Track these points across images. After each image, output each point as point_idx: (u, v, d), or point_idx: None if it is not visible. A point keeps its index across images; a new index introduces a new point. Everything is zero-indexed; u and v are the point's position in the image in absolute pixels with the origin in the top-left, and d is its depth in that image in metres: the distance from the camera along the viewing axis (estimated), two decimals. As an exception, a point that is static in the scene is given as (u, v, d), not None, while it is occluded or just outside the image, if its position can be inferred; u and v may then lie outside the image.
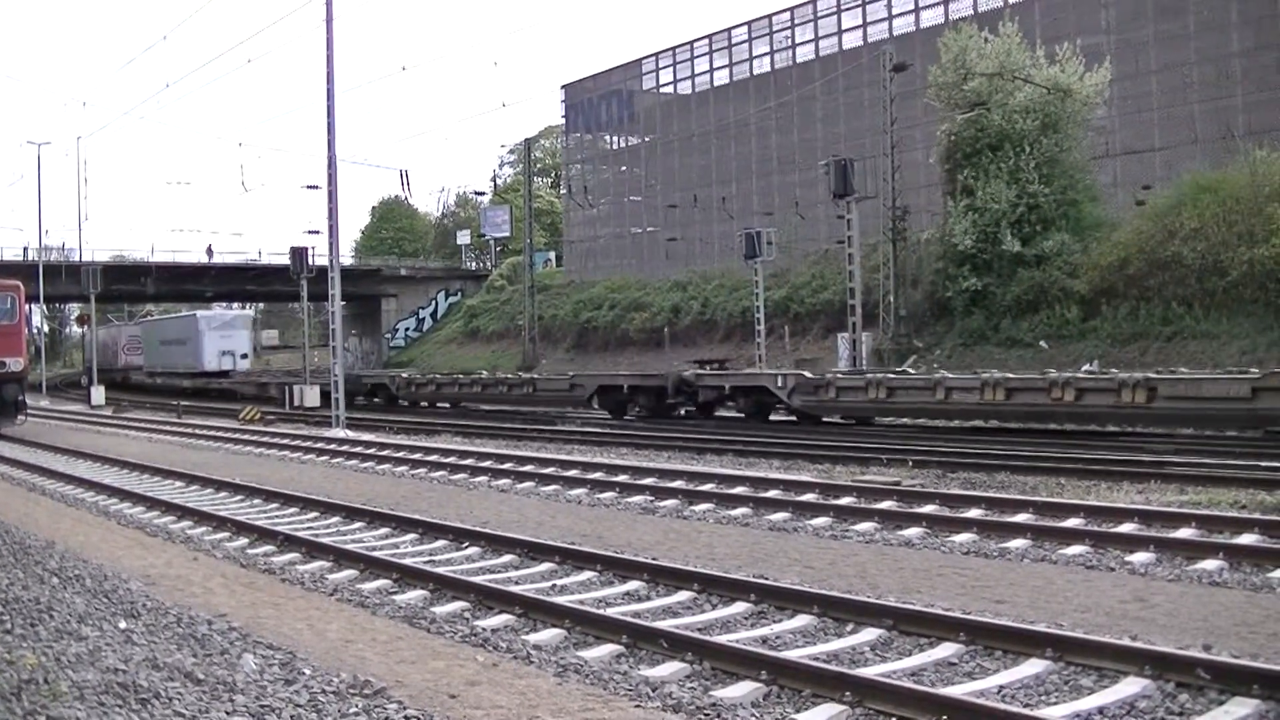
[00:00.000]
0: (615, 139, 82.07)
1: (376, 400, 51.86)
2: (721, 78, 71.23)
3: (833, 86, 59.57)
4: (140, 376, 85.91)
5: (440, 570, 13.06)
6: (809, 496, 17.91)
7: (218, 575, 13.10)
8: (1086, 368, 34.03)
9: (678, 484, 19.89)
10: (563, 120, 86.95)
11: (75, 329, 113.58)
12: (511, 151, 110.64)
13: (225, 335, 74.75)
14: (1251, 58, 46.32)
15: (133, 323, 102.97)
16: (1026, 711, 7.60)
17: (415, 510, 17.91)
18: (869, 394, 30.69)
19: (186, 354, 75.84)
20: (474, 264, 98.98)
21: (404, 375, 52.70)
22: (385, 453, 28.32)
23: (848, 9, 62.43)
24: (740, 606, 11.07)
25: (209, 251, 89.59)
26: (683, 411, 36.51)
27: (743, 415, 34.86)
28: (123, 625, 9.78)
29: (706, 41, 71.81)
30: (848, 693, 8.03)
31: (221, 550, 15.14)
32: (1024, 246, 42.68)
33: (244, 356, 75.29)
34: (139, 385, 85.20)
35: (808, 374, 34.00)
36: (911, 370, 36.84)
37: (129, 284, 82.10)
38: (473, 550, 14.70)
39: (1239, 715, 7.53)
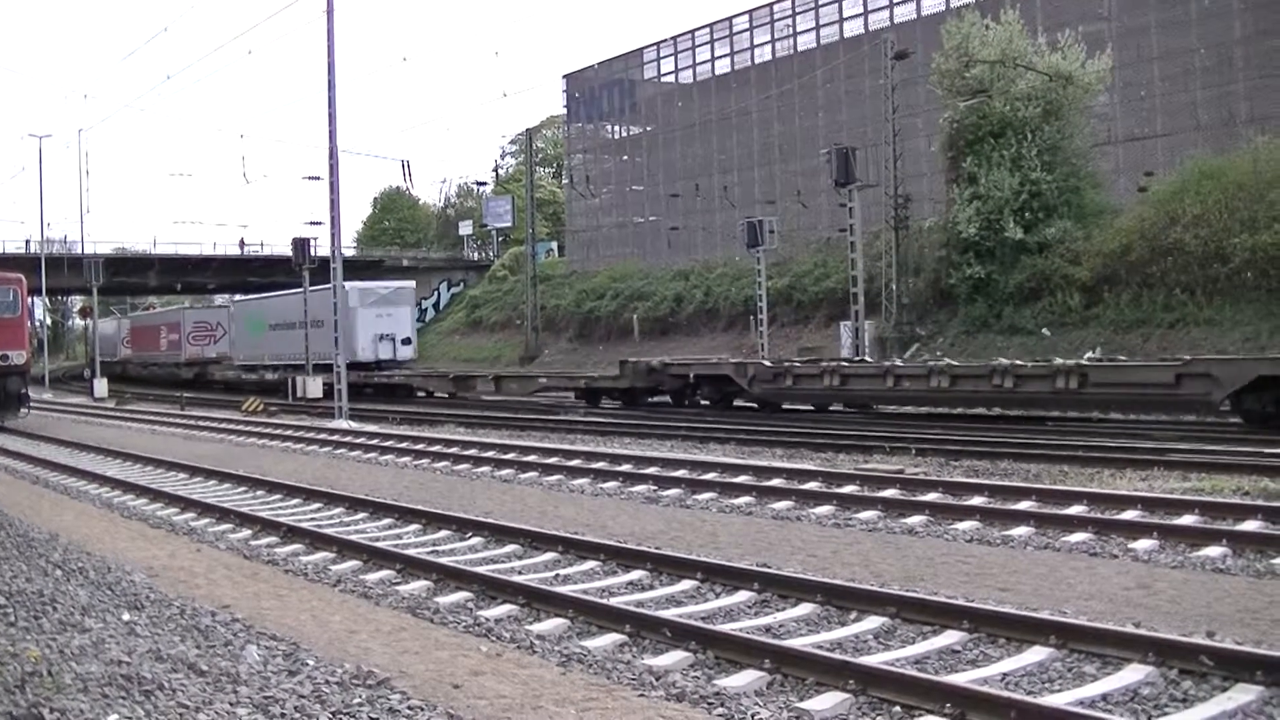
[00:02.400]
0: (617, 128, 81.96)
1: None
2: (723, 66, 71.09)
3: (834, 74, 59.46)
4: (224, 372, 69.74)
5: (443, 560, 13.06)
6: (812, 485, 17.90)
7: (221, 567, 13.11)
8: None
9: (680, 473, 19.89)
10: (564, 110, 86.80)
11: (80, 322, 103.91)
12: (513, 142, 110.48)
13: (384, 314, 55.28)
14: (1253, 44, 46.20)
15: (206, 305, 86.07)
16: (1030, 699, 7.59)
17: (418, 501, 17.93)
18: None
19: (325, 339, 53.60)
20: (476, 254, 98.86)
21: (765, 363, 35.71)
22: (388, 444, 28.31)
23: (849, -4, 62.34)
24: (744, 595, 11.08)
25: (241, 244, 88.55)
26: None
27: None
28: (126, 617, 9.79)
29: (708, 30, 71.68)
30: (851, 681, 8.03)
31: (225, 542, 15.15)
32: (1026, 234, 42.60)
33: (406, 342, 55.94)
34: (206, 385, 69.89)
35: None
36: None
37: (131, 276, 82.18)
38: (476, 540, 14.71)
39: (1242, 702, 7.53)
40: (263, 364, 62.97)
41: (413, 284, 58.53)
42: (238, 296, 73.09)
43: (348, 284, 47.34)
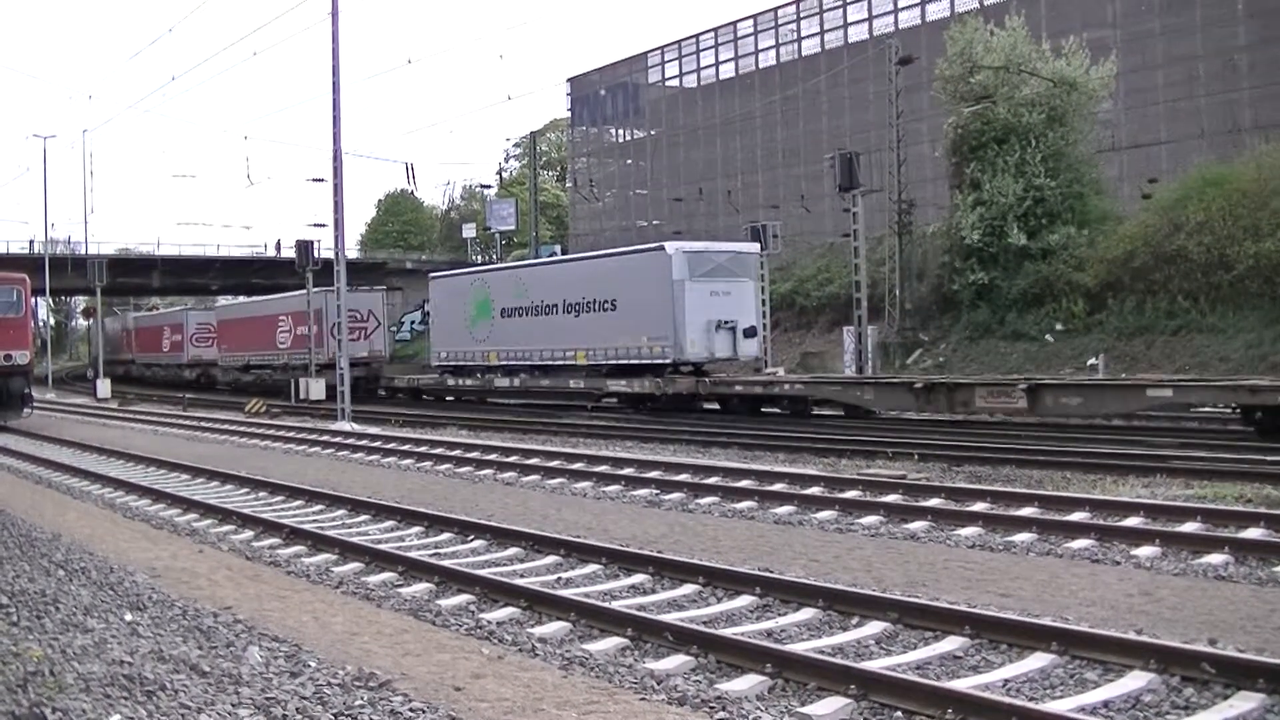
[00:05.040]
0: (621, 132, 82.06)
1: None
2: (727, 71, 71.21)
3: (838, 80, 59.57)
4: (429, 379, 51.20)
5: (446, 563, 13.06)
6: (814, 490, 17.89)
7: (223, 568, 13.13)
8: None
9: (683, 477, 19.87)
10: (568, 113, 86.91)
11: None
12: (517, 145, 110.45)
13: (720, 290, 37.13)
14: (1258, 51, 46.24)
15: (353, 289, 54.77)
16: (1032, 705, 7.59)
17: (421, 503, 17.93)
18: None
19: (623, 329, 38.07)
20: (480, 257, 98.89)
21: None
22: (390, 446, 28.33)
23: (853, 2, 62.39)
24: (745, 599, 11.07)
25: (278, 246, 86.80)
26: None
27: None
28: (128, 617, 9.80)
29: (712, 34, 71.79)
30: (853, 686, 8.03)
31: (227, 543, 15.17)
32: (1030, 240, 42.61)
33: (750, 333, 37.57)
34: (368, 396, 51.80)
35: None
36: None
37: (135, 277, 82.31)
38: (478, 543, 14.72)
39: (1244, 710, 7.53)
40: (485, 364, 45.33)
41: (756, 247, 39.88)
42: (434, 275, 52.70)
43: (669, 245, 37.31)
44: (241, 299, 79.31)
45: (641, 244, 48.16)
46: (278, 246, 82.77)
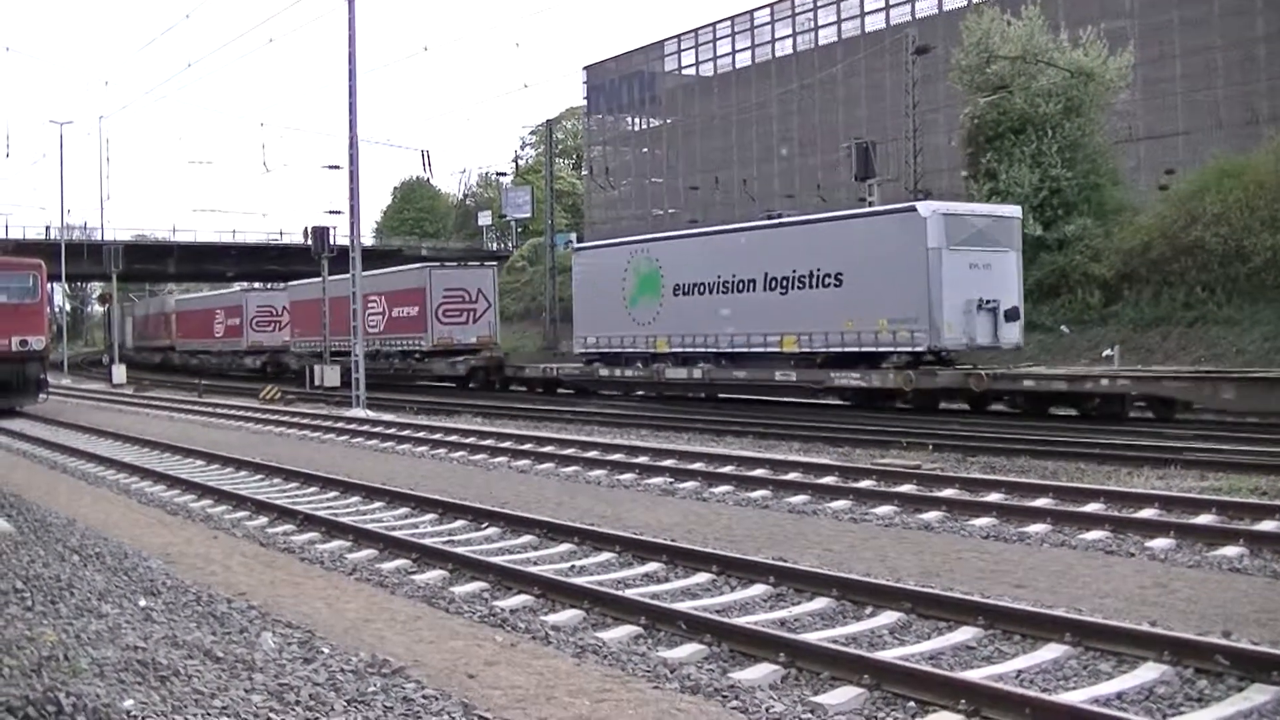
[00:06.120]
0: (637, 120, 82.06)
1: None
2: (743, 60, 71.18)
3: (855, 69, 59.50)
4: (571, 370, 43.56)
5: (459, 550, 13.07)
6: (828, 479, 17.88)
7: (237, 554, 13.16)
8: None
9: (697, 466, 19.89)
10: (584, 101, 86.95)
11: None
12: (533, 133, 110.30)
13: (980, 263, 30.33)
14: (1276, 42, 46.08)
15: (461, 267, 55.64)
16: (1045, 696, 7.58)
17: (434, 490, 17.94)
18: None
19: (852, 309, 31.29)
20: (495, 245, 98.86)
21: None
22: (405, 433, 28.37)
23: (870, -9, 62.32)
24: (759, 588, 11.07)
25: (305, 234, 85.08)
26: None
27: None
28: (142, 603, 9.82)
29: (729, 23, 71.76)
30: (866, 675, 8.02)
31: (241, 529, 15.20)
32: (1046, 230, 42.43)
33: (1013, 316, 30.68)
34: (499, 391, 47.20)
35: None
36: None
37: (150, 263, 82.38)
38: (492, 530, 14.73)
39: (1258, 702, 7.50)
40: (650, 350, 38.33)
41: (1018, 210, 33.36)
42: (579, 245, 48.80)
43: (922, 205, 30.73)
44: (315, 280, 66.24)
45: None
46: (305, 234, 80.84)
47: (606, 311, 39.83)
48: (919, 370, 29.65)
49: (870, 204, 40.39)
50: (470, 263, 54.36)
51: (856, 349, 31.03)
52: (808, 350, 32.32)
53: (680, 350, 36.77)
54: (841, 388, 31.82)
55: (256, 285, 77.22)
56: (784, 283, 32.86)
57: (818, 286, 31.94)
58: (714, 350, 35.50)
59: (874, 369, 30.61)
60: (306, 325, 57.46)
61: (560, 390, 43.26)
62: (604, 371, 40.13)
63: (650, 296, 37.91)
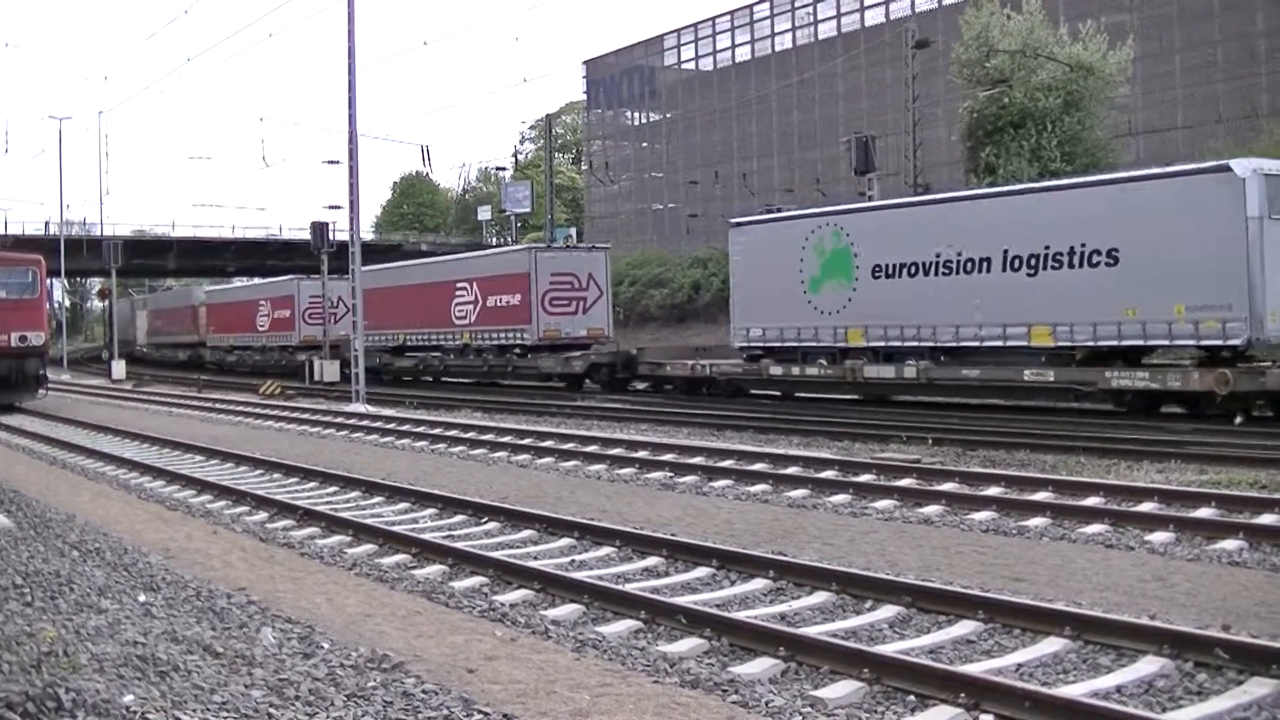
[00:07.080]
0: (637, 115, 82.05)
1: None
2: (743, 54, 71.19)
3: (855, 63, 59.50)
4: (729, 366, 35.84)
5: (459, 545, 13.07)
6: (828, 474, 17.88)
7: (237, 549, 13.15)
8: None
9: (697, 460, 19.87)
10: (584, 96, 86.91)
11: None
12: (533, 127, 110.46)
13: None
14: (1276, 37, 46.11)
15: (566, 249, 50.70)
16: (1045, 690, 7.58)
17: (434, 485, 17.95)
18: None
19: (1133, 293, 24.67)
20: (495, 239, 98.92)
21: None
22: (405, 428, 28.35)
23: (870, -15, 62.30)
24: (759, 583, 11.07)
25: (312, 228, 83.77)
26: None
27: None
28: (142, 598, 9.83)
29: (729, 17, 71.76)
30: (866, 669, 8.02)
31: (241, 524, 15.20)
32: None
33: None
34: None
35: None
36: None
37: (150, 259, 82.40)
38: (492, 525, 14.73)
39: (1257, 695, 7.50)
40: (838, 344, 31.65)
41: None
42: (738, 221, 38.06)
43: (1238, 164, 23.56)
44: (389, 265, 57.87)
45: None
46: (312, 229, 79.54)
47: (777, 298, 33.17)
48: (1237, 369, 23.27)
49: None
50: (580, 246, 49.59)
51: (1140, 342, 25.09)
52: (1067, 344, 26.21)
53: (882, 345, 30.37)
54: (1120, 389, 25.20)
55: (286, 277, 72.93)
56: (1032, 261, 26.71)
57: (1081, 266, 25.81)
58: (930, 344, 29.10)
59: (1165, 367, 25.31)
60: (378, 317, 48.75)
61: (709, 392, 36.03)
62: (775, 370, 33.23)
63: (838, 280, 31.47)
